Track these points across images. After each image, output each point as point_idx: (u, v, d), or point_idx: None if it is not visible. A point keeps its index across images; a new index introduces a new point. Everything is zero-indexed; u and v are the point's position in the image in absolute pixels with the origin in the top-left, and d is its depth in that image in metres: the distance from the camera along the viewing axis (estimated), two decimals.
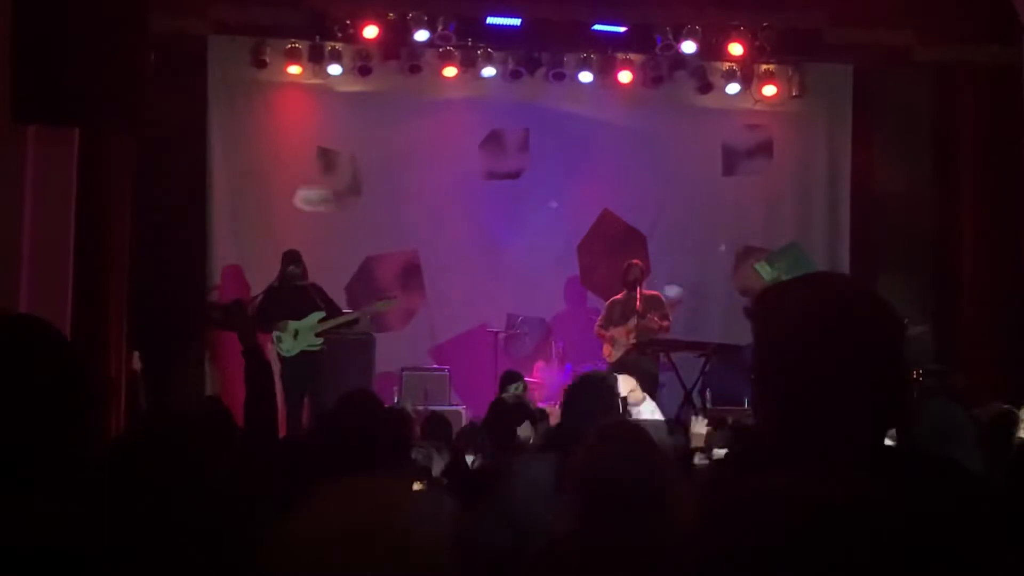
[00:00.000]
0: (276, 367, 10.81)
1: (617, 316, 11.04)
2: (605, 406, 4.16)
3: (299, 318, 10.51)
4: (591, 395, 4.27)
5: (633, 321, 10.83)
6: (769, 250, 12.50)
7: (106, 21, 7.61)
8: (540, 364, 11.99)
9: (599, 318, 11.30)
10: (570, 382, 4.42)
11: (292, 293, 10.59)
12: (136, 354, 10.34)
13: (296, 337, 10.49)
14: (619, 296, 11.14)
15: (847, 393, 1.89)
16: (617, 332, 10.97)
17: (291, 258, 10.69)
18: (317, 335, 10.53)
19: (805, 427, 1.91)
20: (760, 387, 2.00)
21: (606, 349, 11.10)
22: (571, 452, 3.18)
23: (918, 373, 10.56)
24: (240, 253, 12.08)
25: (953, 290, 11.98)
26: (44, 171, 8.06)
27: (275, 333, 10.47)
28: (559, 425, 4.40)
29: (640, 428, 3.37)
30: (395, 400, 10.99)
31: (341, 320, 10.70)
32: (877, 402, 1.92)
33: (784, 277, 7.78)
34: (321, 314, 10.54)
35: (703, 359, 10.43)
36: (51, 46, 7.53)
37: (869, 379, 1.91)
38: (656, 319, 10.88)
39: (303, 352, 10.49)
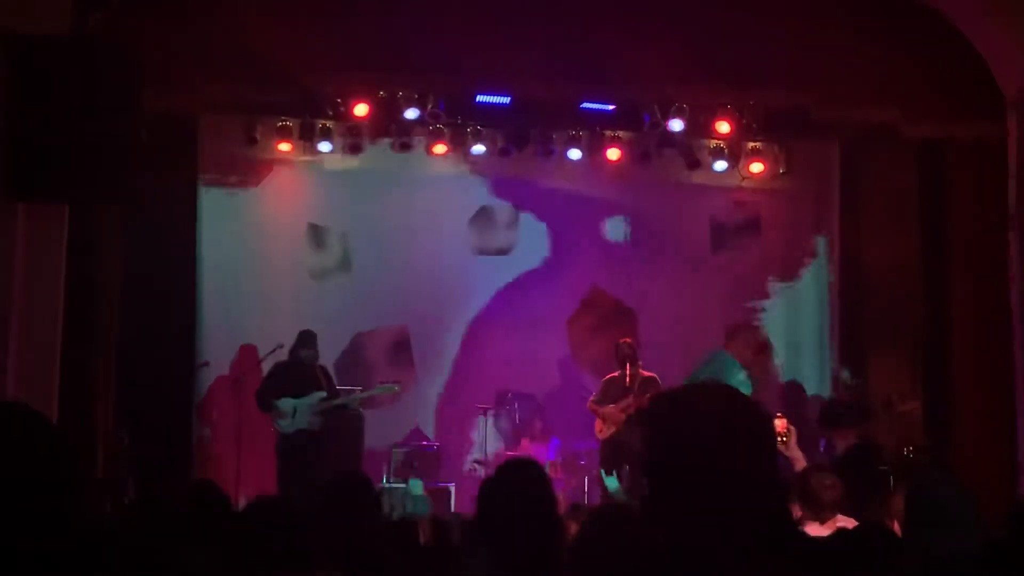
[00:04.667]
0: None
1: (612, 394, 11.02)
2: (530, 494, 3.78)
3: (300, 396, 10.51)
4: (511, 482, 3.90)
5: (627, 400, 10.78)
6: (758, 327, 12.54)
7: (98, 99, 7.66)
8: (526, 440, 11.94)
9: (594, 394, 11.26)
10: (497, 472, 4.02)
11: (298, 371, 10.62)
12: (123, 431, 10.26)
13: (295, 415, 10.48)
14: (615, 374, 11.12)
15: (739, 488, 2.05)
16: (610, 410, 10.93)
17: (305, 340, 10.73)
18: (316, 414, 10.52)
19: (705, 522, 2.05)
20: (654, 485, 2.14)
21: (598, 425, 11.07)
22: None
23: (908, 450, 10.54)
24: (230, 329, 12.05)
25: (943, 366, 11.96)
26: (34, 248, 8.06)
27: (274, 409, 10.48)
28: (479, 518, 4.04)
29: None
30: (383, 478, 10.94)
31: (341, 401, 10.73)
32: (763, 495, 2.09)
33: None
34: (323, 394, 10.57)
35: None
36: (42, 123, 7.57)
37: (755, 476, 2.09)
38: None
39: (301, 430, 10.48)
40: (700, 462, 2.06)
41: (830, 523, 5.40)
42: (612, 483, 9.22)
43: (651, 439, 2.17)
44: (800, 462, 6.39)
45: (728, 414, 2.11)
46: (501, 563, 3.47)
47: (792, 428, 8.80)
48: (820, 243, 12.71)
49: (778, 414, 9.12)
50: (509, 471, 3.94)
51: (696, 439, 2.08)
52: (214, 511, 4.17)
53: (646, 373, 10.98)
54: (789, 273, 12.78)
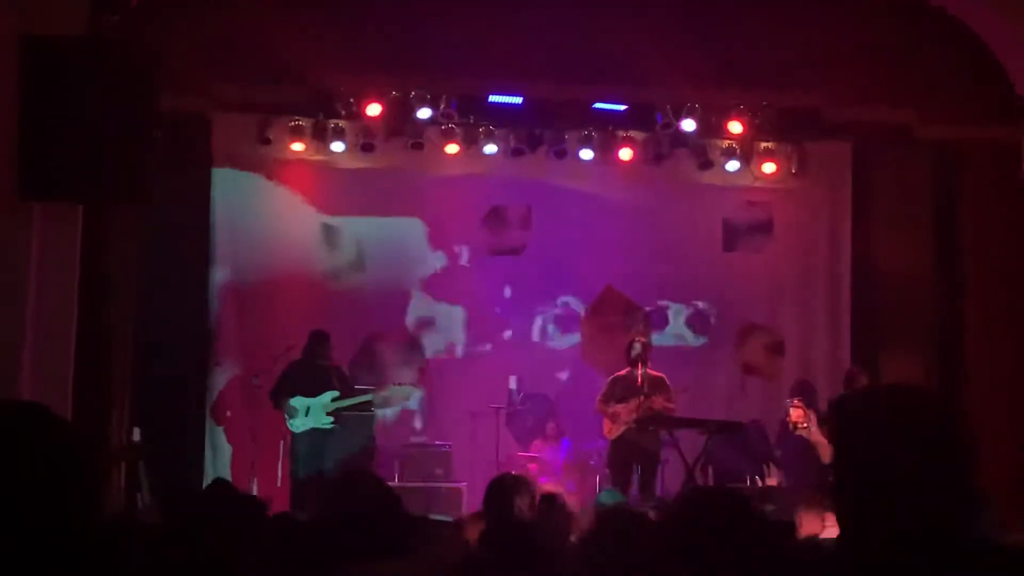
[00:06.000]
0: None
1: (620, 393, 10.93)
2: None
3: (313, 395, 10.54)
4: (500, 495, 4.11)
5: (636, 400, 10.72)
6: (770, 328, 12.56)
7: (113, 99, 7.69)
8: (538, 442, 11.95)
9: (600, 393, 11.20)
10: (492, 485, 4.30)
11: (311, 370, 10.64)
12: (137, 429, 10.31)
13: (308, 414, 10.52)
14: (622, 373, 11.03)
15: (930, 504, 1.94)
16: (619, 409, 10.86)
17: (319, 339, 10.75)
18: (328, 414, 10.55)
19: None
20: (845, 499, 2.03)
21: (607, 425, 11.01)
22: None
23: None
24: (243, 328, 12.09)
25: (956, 366, 11.94)
26: (49, 248, 8.09)
27: (287, 408, 10.52)
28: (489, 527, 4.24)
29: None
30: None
31: (353, 401, 10.73)
32: (956, 509, 1.97)
33: None
34: (335, 393, 10.59)
35: (705, 436, 10.35)
36: (57, 124, 7.61)
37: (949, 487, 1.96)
38: (661, 401, 10.75)
39: (313, 429, 10.51)
40: (886, 469, 1.95)
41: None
42: (608, 497, 9.12)
43: (836, 443, 2.07)
44: (826, 448, 6.33)
45: (935, 422, 2.00)
46: None
47: (811, 412, 8.81)
48: (833, 243, 12.67)
49: (794, 401, 9.14)
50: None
51: (884, 446, 1.97)
52: (233, 511, 4.20)
53: (654, 373, 10.93)
54: (801, 273, 12.76)
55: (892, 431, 1.98)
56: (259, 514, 4.42)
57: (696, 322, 12.82)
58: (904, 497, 1.93)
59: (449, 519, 6.76)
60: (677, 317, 12.78)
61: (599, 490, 10.86)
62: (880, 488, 1.95)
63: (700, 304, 12.81)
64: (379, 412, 11.63)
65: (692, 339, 12.80)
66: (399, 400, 11.85)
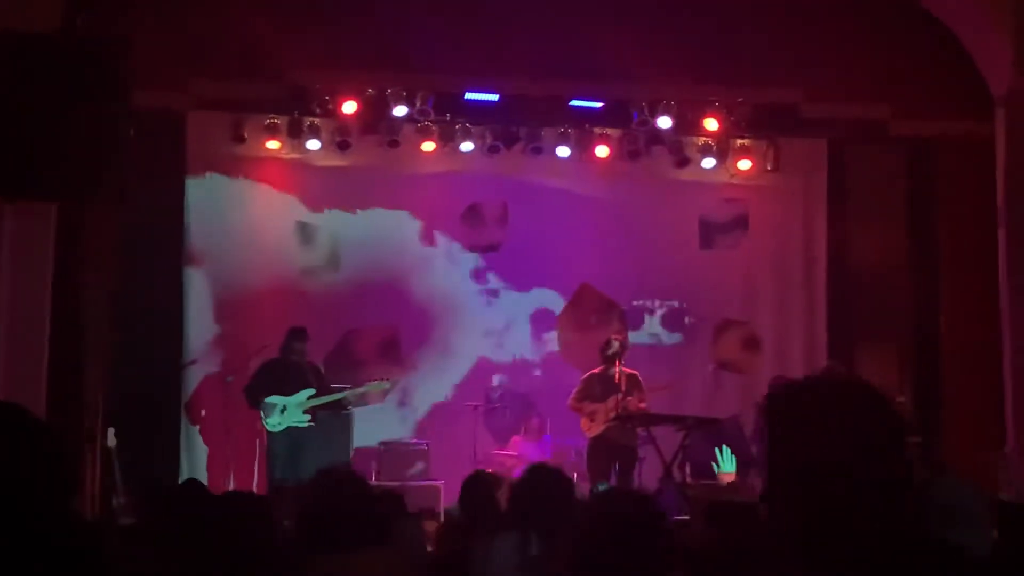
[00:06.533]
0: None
1: (596, 392, 10.94)
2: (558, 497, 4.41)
3: (290, 393, 10.47)
4: (543, 486, 4.52)
5: (615, 398, 10.72)
6: (747, 323, 12.59)
7: (86, 96, 7.63)
8: (517, 438, 11.94)
9: (574, 391, 11.18)
10: (524, 474, 4.77)
11: (287, 368, 10.56)
12: (111, 430, 10.23)
13: (284, 412, 10.45)
14: (597, 371, 11.03)
15: (862, 489, 1.93)
16: (597, 408, 10.86)
17: (296, 335, 10.67)
18: (305, 412, 10.49)
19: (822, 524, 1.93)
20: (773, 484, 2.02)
21: (584, 423, 11.01)
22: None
23: None
24: (218, 327, 12.04)
25: (932, 361, 12.00)
26: (21, 246, 8.03)
27: (263, 407, 10.45)
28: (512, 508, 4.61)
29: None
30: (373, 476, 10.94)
31: (330, 399, 10.67)
32: (886, 497, 1.96)
33: None
34: (311, 391, 10.52)
35: (682, 432, 10.35)
36: (27, 121, 7.54)
37: (880, 476, 1.96)
38: (635, 400, 10.76)
39: (289, 427, 10.45)
40: (824, 460, 1.95)
41: None
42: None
43: (771, 434, 2.05)
44: None
45: (856, 409, 2.00)
46: None
47: None
48: (808, 239, 12.70)
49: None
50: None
51: (821, 436, 1.97)
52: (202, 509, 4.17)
53: (629, 371, 10.93)
54: (778, 268, 12.79)
55: (820, 422, 1.98)
56: (235, 512, 4.39)
57: (670, 321, 12.83)
58: (835, 486, 1.93)
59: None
60: (652, 316, 12.79)
61: (576, 486, 10.83)
62: (810, 479, 1.95)
63: (675, 303, 12.82)
64: (356, 411, 11.56)
65: (667, 337, 12.81)
66: (376, 396, 11.80)
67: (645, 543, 3.07)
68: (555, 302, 12.74)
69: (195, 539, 3.89)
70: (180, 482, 9.35)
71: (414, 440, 11.89)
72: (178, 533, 3.97)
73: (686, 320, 12.83)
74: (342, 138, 12.05)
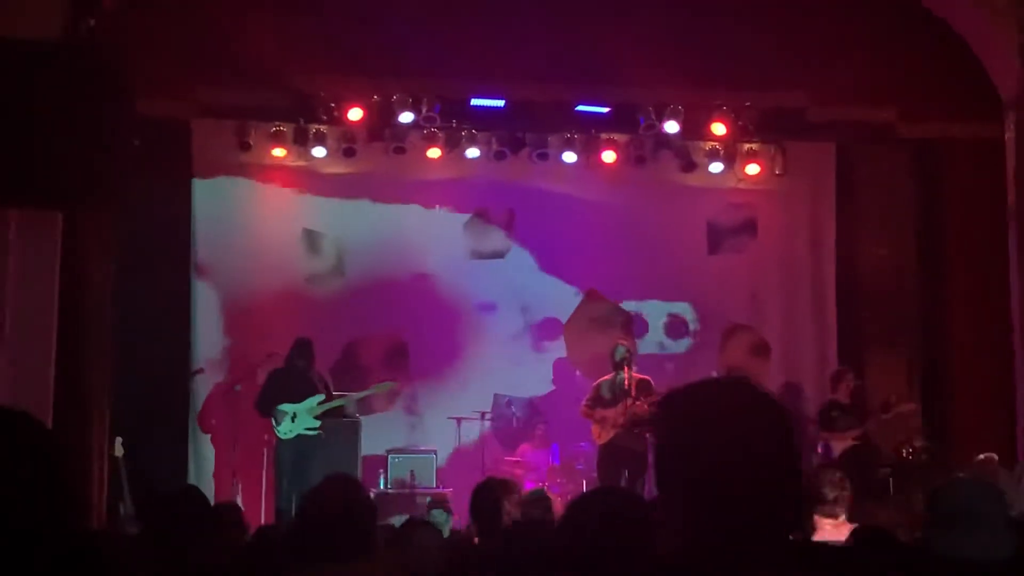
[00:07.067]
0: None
1: (607, 397, 10.91)
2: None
3: (299, 401, 10.45)
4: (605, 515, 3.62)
5: (624, 404, 10.68)
6: (755, 329, 12.53)
7: (90, 105, 7.61)
8: (525, 446, 11.89)
9: (585, 398, 11.16)
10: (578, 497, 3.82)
11: (294, 377, 10.55)
12: (118, 439, 10.20)
13: (295, 420, 10.43)
14: (607, 377, 11.01)
15: (754, 501, 1.90)
16: (607, 414, 10.83)
17: (303, 346, 10.66)
18: (315, 418, 10.47)
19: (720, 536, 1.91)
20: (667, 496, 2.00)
21: (595, 430, 10.98)
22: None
23: (908, 451, 10.50)
24: (224, 335, 12.01)
25: (941, 367, 11.94)
26: (27, 255, 8.01)
27: (274, 415, 10.43)
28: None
29: None
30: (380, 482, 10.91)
31: (338, 403, 10.65)
32: (780, 506, 1.94)
33: None
34: (321, 396, 10.50)
35: None
36: (33, 130, 7.52)
37: (774, 484, 1.93)
38: (646, 405, 10.71)
39: (298, 437, 10.42)
40: (711, 465, 1.91)
41: (841, 522, 5.33)
42: None
43: (659, 441, 2.04)
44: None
45: (742, 413, 1.96)
46: None
47: None
48: (817, 243, 12.65)
49: None
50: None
51: (707, 441, 1.93)
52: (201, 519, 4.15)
53: (639, 376, 10.90)
54: (786, 273, 12.74)
55: (709, 424, 1.95)
56: (231, 519, 4.37)
57: (674, 328, 12.77)
58: (725, 492, 1.90)
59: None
60: (656, 323, 12.73)
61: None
62: (701, 484, 1.92)
63: (678, 310, 12.76)
64: (363, 419, 11.53)
65: (672, 345, 12.76)
66: (383, 398, 11.80)
67: (634, 542, 3.03)
68: (562, 308, 12.69)
69: (186, 547, 3.88)
70: (177, 489, 9.32)
71: (422, 448, 11.85)
72: (173, 541, 3.95)
73: (692, 326, 12.78)
74: (348, 145, 12.02)
